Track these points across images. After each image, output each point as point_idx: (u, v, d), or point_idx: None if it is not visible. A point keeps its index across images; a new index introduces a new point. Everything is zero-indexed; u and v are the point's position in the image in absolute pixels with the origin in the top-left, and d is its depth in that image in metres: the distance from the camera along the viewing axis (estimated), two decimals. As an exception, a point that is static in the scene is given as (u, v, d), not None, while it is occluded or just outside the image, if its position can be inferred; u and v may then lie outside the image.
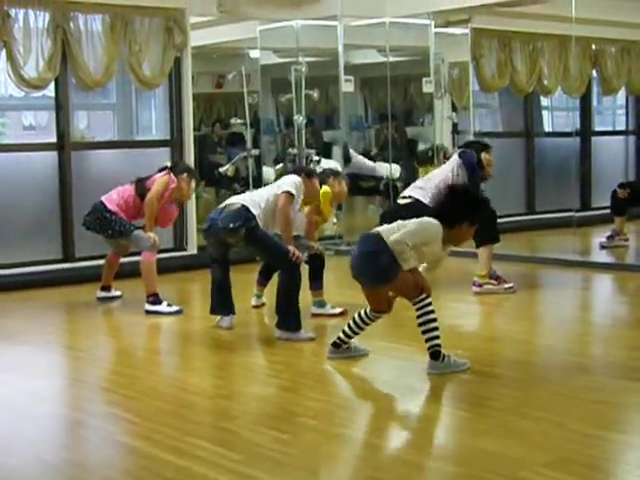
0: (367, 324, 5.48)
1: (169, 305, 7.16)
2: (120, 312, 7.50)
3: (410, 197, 7.51)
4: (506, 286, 7.65)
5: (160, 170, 7.48)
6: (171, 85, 9.50)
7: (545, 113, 12.94)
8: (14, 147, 8.89)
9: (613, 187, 9.90)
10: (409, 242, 5.14)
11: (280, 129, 12.35)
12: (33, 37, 8.39)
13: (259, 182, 10.53)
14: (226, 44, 11.71)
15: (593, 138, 12.25)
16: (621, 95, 12.65)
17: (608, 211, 10.03)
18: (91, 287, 7.87)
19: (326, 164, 10.27)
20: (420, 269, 5.40)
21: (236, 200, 6.49)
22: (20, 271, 8.42)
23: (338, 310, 6.85)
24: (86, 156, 9.02)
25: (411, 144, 12.12)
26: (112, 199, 7.41)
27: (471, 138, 9.82)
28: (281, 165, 11.28)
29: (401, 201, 7.64)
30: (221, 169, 11.69)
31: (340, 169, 9.36)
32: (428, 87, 10.68)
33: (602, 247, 9.87)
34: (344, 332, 5.55)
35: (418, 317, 5.22)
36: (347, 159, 11.03)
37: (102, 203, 7.39)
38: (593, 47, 11.72)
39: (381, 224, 5.84)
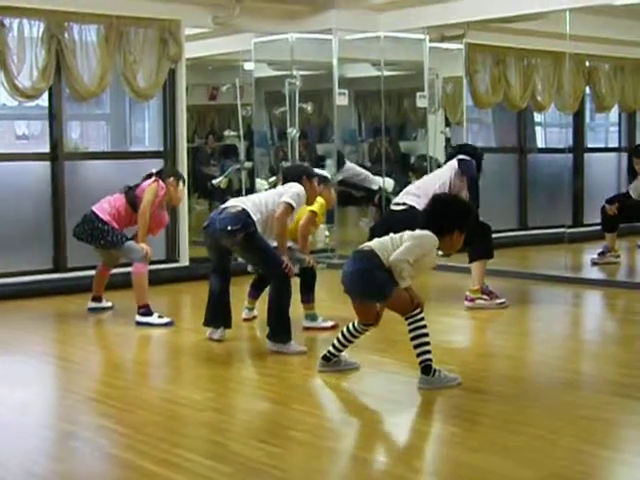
0: (356, 337, 5.49)
1: (160, 317, 7.14)
2: (111, 323, 7.48)
3: (404, 204, 7.50)
4: (498, 301, 7.65)
5: (147, 177, 7.49)
6: (165, 96, 9.50)
7: (538, 129, 12.97)
8: (7, 156, 8.86)
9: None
10: (411, 260, 5.16)
11: (273, 142, 12.37)
12: (27, 47, 8.39)
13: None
14: (221, 56, 11.73)
15: (586, 155, 12.27)
16: (614, 112, 12.68)
17: (600, 227, 10.05)
18: (82, 297, 7.86)
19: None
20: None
21: (238, 202, 6.44)
22: (11, 281, 8.40)
23: (330, 324, 6.83)
24: (79, 166, 9.01)
25: (404, 158, 12.14)
26: (104, 209, 7.40)
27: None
28: (274, 178, 11.28)
29: (394, 207, 7.64)
30: (214, 181, 11.67)
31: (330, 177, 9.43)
32: (422, 102, 10.71)
33: (593, 263, 9.89)
34: (334, 345, 5.55)
35: (410, 331, 5.22)
36: (341, 163, 11.02)
37: (94, 213, 7.38)
38: (587, 64, 11.75)
39: (371, 238, 5.84)
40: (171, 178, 7.54)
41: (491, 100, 11.14)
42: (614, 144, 13.13)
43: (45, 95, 8.71)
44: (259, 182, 11.15)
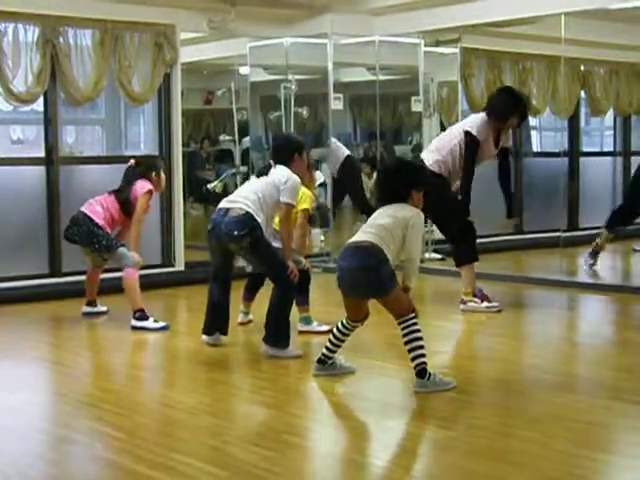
0: (347, 335, 5.50)
1: (155, 321, 7.14)
2: (106, 328, 7.47)
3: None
4: (486, 305, 7.63)
5: (127, 172, 7.55)
6: (160, 101, 9.50)
7: (533, 133, 12.98)
8: (2, 161, 8.83)
9: (600, 208, 9.87)
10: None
11: (269, 146, 12.36)
12: (22, 51, 8.38)
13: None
14: (216, 60, 11.73)
15: (581, 159, 12.29)
16: (609, 116, 12.70)
17: (595, 231, 10.00)
18: (77, 302, 7.84)
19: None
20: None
21: (238, 202, 6.29)
22: (6, 285, 8.38)
23: (325, 328, 6.81)
24: (74, 171, 8.99)
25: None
26: (97, 212, 7.39)
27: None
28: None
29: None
30: (209, 185, 11.69)
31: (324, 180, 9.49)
32: (417, 106, 10.72)
33: (591, 265, 9.74)
34: (327, 347, 5.56)
35: (404, 335, 5.22)
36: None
37: (87, 217, 7.37)
38: (582, 68, 11.76)
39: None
40: (152, 172, 7.58)
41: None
42: (609, 148, 13.14)
43: (40, 100, 8.70)
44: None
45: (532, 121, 12.60)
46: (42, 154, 8.85)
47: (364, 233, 5.34)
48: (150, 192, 7.46)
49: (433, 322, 7.38)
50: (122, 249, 7.31)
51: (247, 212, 6.19)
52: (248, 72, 11.10)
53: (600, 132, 13.73)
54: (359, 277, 5.29)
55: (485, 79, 11.00)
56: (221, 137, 12.19)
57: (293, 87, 10.55)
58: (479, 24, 9.62)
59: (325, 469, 4.20)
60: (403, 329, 5.22)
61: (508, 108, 7.69)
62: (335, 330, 5.53)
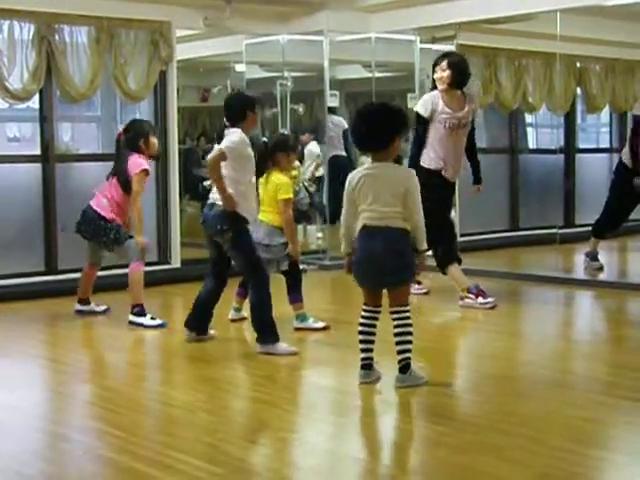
0: (374, 326, 5.26)
1: (152, 318, 7.13)
2: (102, 325, 7.46)
3: None
4: (481, 300, 7.63)
5: (117, 144, 7.53)
6: (156, 98, 9.49)
7: (529, 130, 12.98)
8: (-2, 158, 8.85)
9: (596, 204, 9.82)
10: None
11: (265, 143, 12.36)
12: (18, 48, 8.36)
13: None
14: (212, 58, 11.72)
15: (577, 155, 12.30)
16: (605, 113, 12.71)
17: (591, 228, 9.98)
18: (73, 300, 7.82)
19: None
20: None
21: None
22: (2, 283, 8.38)
23: (321, 324, 6.83)
24: (70, 168, 8.99)
25: (396, 159, 12.11)
26: (103, 205, 7.34)
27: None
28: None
29: None
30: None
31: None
32: (413, 103, 10.70)
33: (599, 269, 9.68)
34: (361, 349, 5.29)
35: (396, 327, 5.19)
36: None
37: (95, 211, 7.35)
38: (578, 65, 11.77)
39: None
40: (141, 141, 7.45)
41: (482, 101, 11.13)
42: (605, 145, 13.16)
43: (36, 97, 8.69)
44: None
45: (528, 118, 12.62)
46: (38, 151, 8.84)
47: (381, 212, 5.19)
48: (144, 171, 7.35)
49: (429, 318, 7.40)
50: (129, 241, 7.29)
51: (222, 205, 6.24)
52: (244, 69, 11.10)
53: (596, 129, 13.74)
54: (390, 261, 5.15)
55: (481, 76, 11.00)
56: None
57: (289, 84, 10.55)
58: (475, 21, 9.62)
59: (321, 465, 4.20)
60: (397, 319, 5.18)
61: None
62: (360, 327, 5.28)
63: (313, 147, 11.54)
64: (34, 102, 8.79)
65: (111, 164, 7.60)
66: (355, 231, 5.27)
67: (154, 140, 7.57)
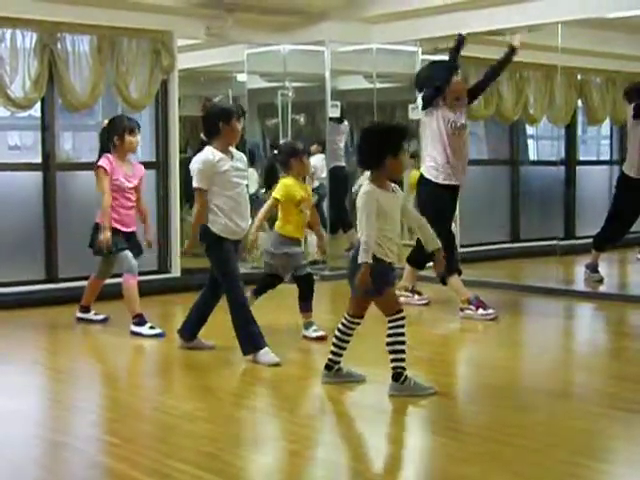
0: (349, 334, 5.44)
1: (152, 328, 7.13)
2: (102, 334, 7.46)
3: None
4: (482, 312, 7.63)
5: (101, 136, 7.48)
6: (157, 107, 9.51)
7: (530, 142, 13.00)
8: (-1, 166, 8.85)
9: (597, 216, 9.83)
10: (369, 231, 5.14)
11: (266, 153, 12.36)
12: (20, 57, 8.39)
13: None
14: (213, 67, 11.73)
15: (578, 167, 12.31)
16: (606, 125, 12.73)
17: (592, 240, 9.98)
18: (74, 308, 7.82)
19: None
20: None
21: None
22: (3, 291, 8.38)
23: (320, 333, 6.83)
24: (71, 177, 8.99)
25: (393, 179, 12.11)
26: (98, 213, 7.40)
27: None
28: (264, 190, 11.31)
29: None
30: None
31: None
32: (415, 114, 10.70)
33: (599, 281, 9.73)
34: (331, 351, 5.52)
35: (389, 335, 5.23)
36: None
37: (96, 223, 7.37)
38: (579, 77, 11.79)
39: None
40: (115, 137, 7.37)
41: (483, 112, 11.15)
42: (606, 157, 13.17)
43: (38, 105, 8.70)
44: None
45: (529, 129, 12.63)
46: (39, 160, 8.85)
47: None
48: (99, 168, 7.31)
49: (430, 329, 7.39)
50: (122, 254, 7.29)
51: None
52: (245, 79, 11.11)
53: (597, 141, 13.74)
54: (350, 270, 5.34)
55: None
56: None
57: (290, 94, 10.55)
58: (477, 33, 9.62)
59: (321, 476, 4.19)
60: (391, 328, 5.23)
61: None
62: (336, 332, 5.49)
63: (315, 160, 11.55)
64: (36, 110, 8.81)
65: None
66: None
67: (130, 138, 7.40)
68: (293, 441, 4.60)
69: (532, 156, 12.94)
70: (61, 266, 8.79)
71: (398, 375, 5.23)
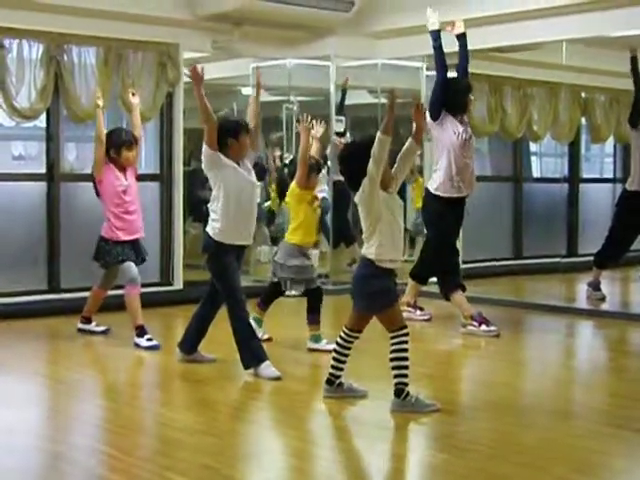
0: (348, 348, 5.44)
1: (149, 339, 7.12)
2: (104, 345, 7.45)
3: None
4: (484, 328, 7.63)
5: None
6: (162, 119, 9.52)
7: (534, 159, 13.01)
8: (3, 177, 8.83)
9: (600, 234, 9.82)
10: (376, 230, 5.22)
11: (268, 165, 12.36)
12: (26, 68, 8.41)
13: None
14: (219, 81, 11.72)
15: (581, 185, 12.32)
16: (609, 143, 12.74)
17: (593, 258, 9.97)
18: (76, 318, 7.82)
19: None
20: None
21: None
22: (5, 301, 8.38)
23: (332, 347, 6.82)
24: (75, 188, 8.99)
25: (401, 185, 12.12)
26: (103, 227, 7.42)
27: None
28: (268, 203, 11.33)
29: None
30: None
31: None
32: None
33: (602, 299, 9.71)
34: (332, 365, 5.51)
35: (392, 351, 5.22)
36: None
37: (100, 236, 7.41)
38: (583, 95, 11.81)
39: None
40: (111, 150, 7.50)
41: (487, 129, 11.17)
42: (609, 175, 13.16)
43: (43, 116, 8.72)
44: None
45: (533, 147, 12.64)
46: (43, 170, 8.86)
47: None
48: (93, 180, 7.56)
49: (432, 345, 7.39)
50: (125, 264, 7.31)
51: (206, 231, 6.35)
52: (251, 92, 11.10)
53: (600, 159, 13.75)
54: (354, 287, 5.37)
55: (487, 104, 11.03)
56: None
57: (295, 108, 10.56)
58: (481, 49, 9.64)
59: (321, 491, 4.19)
60: (394, 344, 5.22)
61: None
62: (336, 346, 5.48)
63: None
64: (41, 121, 8.83)
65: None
66: None
67: (127, 153, 7.50)
68: (293, 456, 4.59)
69: (535, 173, 12.94)
70: (63, 276, 8.79)
71: (400, 391, 5.22)
